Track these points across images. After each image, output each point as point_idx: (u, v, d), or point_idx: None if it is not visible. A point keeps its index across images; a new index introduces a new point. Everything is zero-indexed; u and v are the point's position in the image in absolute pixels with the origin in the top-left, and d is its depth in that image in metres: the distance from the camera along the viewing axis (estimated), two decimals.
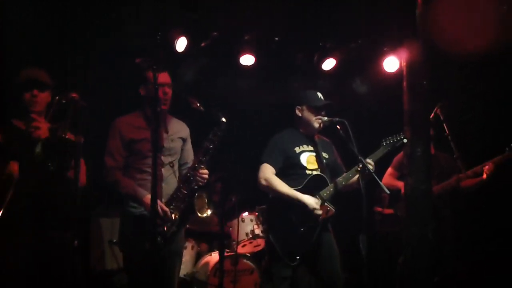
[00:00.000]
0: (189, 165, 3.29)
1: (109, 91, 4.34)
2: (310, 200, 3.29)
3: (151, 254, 2.68)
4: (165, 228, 3.05)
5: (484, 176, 4.21)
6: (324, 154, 3.52)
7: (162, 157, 3.17)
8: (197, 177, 3.15)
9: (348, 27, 4.70)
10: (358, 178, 3.25)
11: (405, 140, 3.54)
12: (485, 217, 4.84)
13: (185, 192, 3.14)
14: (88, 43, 4.24)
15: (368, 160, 3.31)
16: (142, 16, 4.29)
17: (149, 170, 3.09)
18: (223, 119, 3.17)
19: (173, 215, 3.09)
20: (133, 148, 3.15)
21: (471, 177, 4.30)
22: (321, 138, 3.63)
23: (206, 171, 3.18)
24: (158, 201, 3.00)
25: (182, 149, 3.34)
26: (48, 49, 3.92)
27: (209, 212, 3.23)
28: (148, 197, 3.01)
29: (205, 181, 3.19)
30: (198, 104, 3.14)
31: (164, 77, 3.20)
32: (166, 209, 3.07)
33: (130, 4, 4.21)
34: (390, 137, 3.53)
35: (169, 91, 3.21)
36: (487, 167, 4.22)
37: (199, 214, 3.19)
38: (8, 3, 3.70)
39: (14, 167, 2.65)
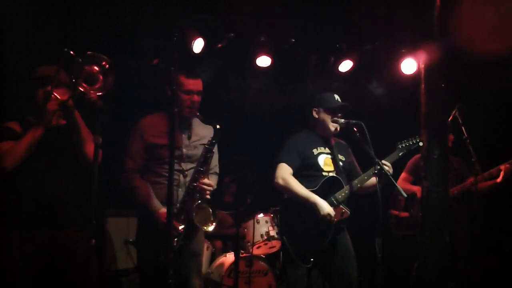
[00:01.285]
0: (213, 171, 3.25)
1: (126, 92, 4.37)
2: (325, 205, 3.27)
3: (163, 264, 2.65)
4: (174, 243, 2.97)
5: (500, 178, 4.16)
6: (340, 157, 3.50)
7: (182, 164, 3.12)
8: (199, 188, 3.07)
9: (365, 28, 4.67)
10: (375, 181, 3.23)
11: (421, 143, 3.51)
12: (500, 219, 4.78)
13: (190, 204, 3.06)
14: (105, 44, 4.27)
15: (385, 162, 3.28)
16: (159, 18, 4.31)
17: (166, 174, 3.05)
18: (217, 126, 3.07)
19: (180, 228, 3.03)
20: (154, 152, 3.11)
21: (487, 179, 4.25)
22: (338, 141, 3.63)
23: (207, 181, 3.10)
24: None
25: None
26: (60, 49, 3.95)
27: (212, 226, 3.08)
28: (162, 211, 2.98)
29: (209, 191, 3.10)
30: (198, 114, 3.11)
31: (194, 84, 3.15)
32: (177, 226, 3.00)
33: (146, 5, 4.24)
34: (405, 140, 3.51)
35: (198, 99, 3.15)
36: (503, 169, 4.17)
37: (200, 227, 3.07)
38: (25, 5, 3.74)
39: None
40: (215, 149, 3.28)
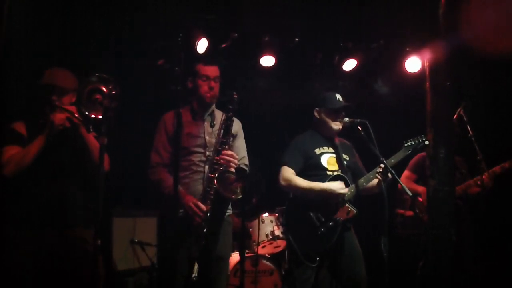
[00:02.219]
0: (241, 161, 3.16)
1: (131, 93, 4.38)
2: (334, 184, 3.29)
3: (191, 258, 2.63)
4: (204, 230, 2.89)
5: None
6: (345, 156, 3.50)
7: (207, 153, 3.08)
8: (223, 159, 2.96)
9: (370, 27, 4.66)
10: (379, 180, 3.22)
11: (427, 142, 3.50)
12: (505, 218, 4.75)
13: (215, 180, 2.92)
14: (110, 45, 4.29)
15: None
16: (163, 18, 4.32)
17: (193, 168, 3.04)
18: (235, 95, 3.04)
19: (206, 209, 2.92)
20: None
21: (491, 177, 4.23)
22: (342, 140, 3.62)
23: (229, 152, 3.00)
24: (196, 201, 2.92)
25: (232, 145, 3.13)
26: (69, 51, 3.98)
27: (239, 193, 2.90)
28: (188, 198, 2.94)
29: (232, 162, 2.97)
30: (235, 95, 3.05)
31: (211, 71, 3.15)
32: (203, 207, 2.91)
33: (151, 5, 4.25)
34: (411, 139, 3.50)
35: (215, 85, 3.14)
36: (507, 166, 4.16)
37: (228, 196, 2.90)
38: (32, 6, 3.76)
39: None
40: (241, 140, 3.22)
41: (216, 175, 2.91)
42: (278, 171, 3.42)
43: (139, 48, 4.40)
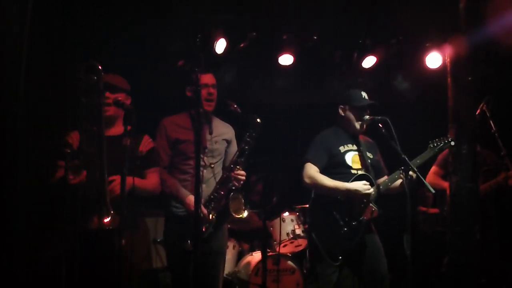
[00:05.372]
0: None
1: (153, 94, 4.42)
2: (360, 185, 3.26)
3: (192, 254, 2.70)
4: (203, 229, 3.10)
5: None
6: (369, 154, 3.47)
7: (205, 159, 3.22)
8: (234, 178, 3.18)
9: (388, 22, 4.62)
10: (402, 180, 3.18)
11: (452, 143, 3.44)
12: None
13: (222, 193, 3.19)
14: (129, 47, 4.33)
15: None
16: (181, 19, 4.35)
17: (191, 171, 3.17)
18: (258, 120, 3.19)
19: (210, 216, 3.15)
20: (178, 148, 3.22)
21: None
22: (365, 139, 3.58)
23: (242, 172, 3.20)
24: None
25: (226, 151, 3.38)
26: (88, 54, 4.02)
27: (245, 213, 3.21)
28: (190, 198, 3.11)
29: (242, 182, 3.21)
30: (236, 106, 3.16)
31: (208, 78, 3.27)
32: (205, 211, 3.12)
33: (169, 7, 4.28)
34: (437, 140, 3.45)
35: (213, 92, 3.27)
36: None
37: (234, 215, 3.20)
38: (45, 9, 3.80)
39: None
40: (234, 146, 3.40)
41: (232, 195, 3.17)
42: (301, 168, 3.40)
43: (158, 50, 4.44)
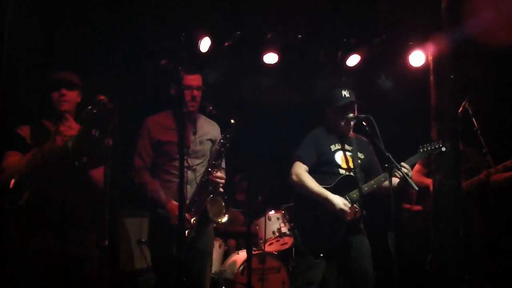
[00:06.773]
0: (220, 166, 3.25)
1: (135, 93, 4.38)
2: (338, 200, 3.26)
3: (177, 258, 2.69)
4: (185, 234, 3.02)
5: None
6: (360, 154, 3.46)
7: (189, 160, 3.17)
8: (213, 181, 3.12)
9: (372, 22, 4.64)
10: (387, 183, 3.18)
11: (443, 149, 3.43)
12: None
13: (203, 196, 3.12)
14: (112, 45, 4.29)
15: (404, 164, 3.24)
16: (166, 18, 4.32)
17: (175, 172, 3.12)
18: (232, 121, 3.12)
19: (192, 220, 3.09)
20: (161, 149, 3.17)
21: (501, 172, 4.20)
22: (358, 137, 3.56)
23: (220, 174, 3.15)
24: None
25: (211, 151, 3.29)
26: (72, 52, 3.98)
27: (225, 218, 3.12)
28: (172, 203, 3.06)
29: (221, 184, 3.15)
30: (211, 108, 3.14)
31: (193, 80, 3.21)
32: (188, 216, 3.06)
33: (153, 5, 4.25)
34: (427, 144, 3.42)
35: (197, 94, 3.21)
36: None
37: (214, 219, 3.11)
38: (33, 6, 3.76)
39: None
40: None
41: (210, 197, 3.08)
42: (290, 166, 3.40)
43: (142, 48, 4.40)
